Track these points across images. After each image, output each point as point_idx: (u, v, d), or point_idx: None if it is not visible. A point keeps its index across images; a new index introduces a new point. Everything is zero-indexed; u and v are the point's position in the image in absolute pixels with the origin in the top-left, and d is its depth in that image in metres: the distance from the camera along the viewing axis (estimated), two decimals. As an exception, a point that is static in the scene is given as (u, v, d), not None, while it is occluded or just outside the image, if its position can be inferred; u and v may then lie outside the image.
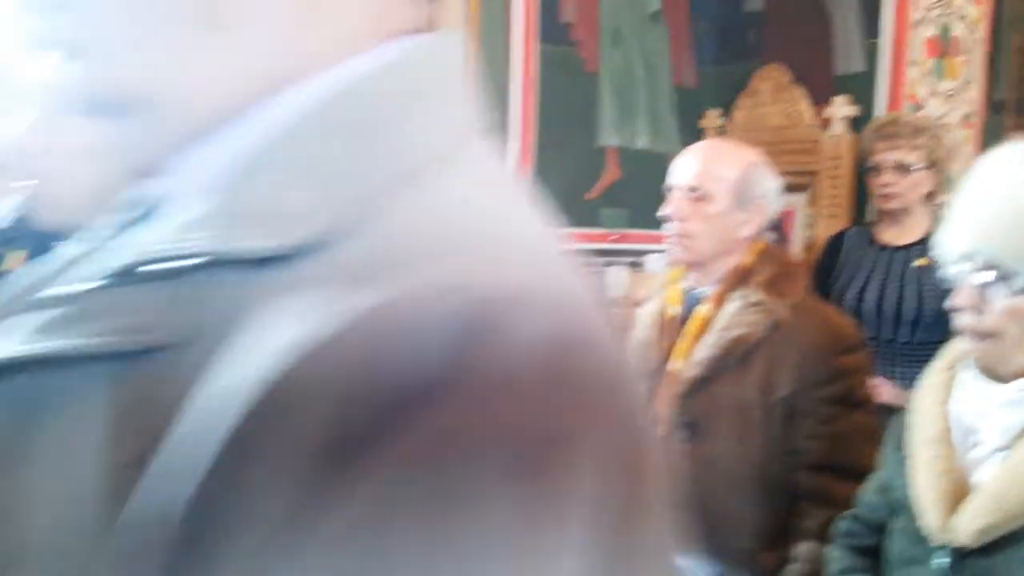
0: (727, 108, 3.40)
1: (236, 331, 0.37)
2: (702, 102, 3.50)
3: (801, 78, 3.17)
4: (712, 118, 3.45)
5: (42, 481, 0.39)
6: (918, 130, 2.42)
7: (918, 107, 2.89)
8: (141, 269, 0.41)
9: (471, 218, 0.42)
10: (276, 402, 0.33)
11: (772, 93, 3.24)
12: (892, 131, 2.43)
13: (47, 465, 0.39)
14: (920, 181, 2.40)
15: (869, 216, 2.82)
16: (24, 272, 0.50)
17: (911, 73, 2.91)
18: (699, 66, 3.55)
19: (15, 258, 1.81)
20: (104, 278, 0.42)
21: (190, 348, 0.38)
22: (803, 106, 3.14)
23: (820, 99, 3.10)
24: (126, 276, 0.41)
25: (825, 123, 3.08)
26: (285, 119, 0.44)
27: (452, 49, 0.48)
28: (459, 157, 0.45)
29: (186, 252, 0.40)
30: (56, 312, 0.42)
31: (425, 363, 0.33)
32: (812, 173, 3.07)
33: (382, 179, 0.42)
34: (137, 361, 0.39)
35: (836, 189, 3.01)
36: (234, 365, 0.35)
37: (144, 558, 0.34)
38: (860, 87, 3.03)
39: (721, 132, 3.34)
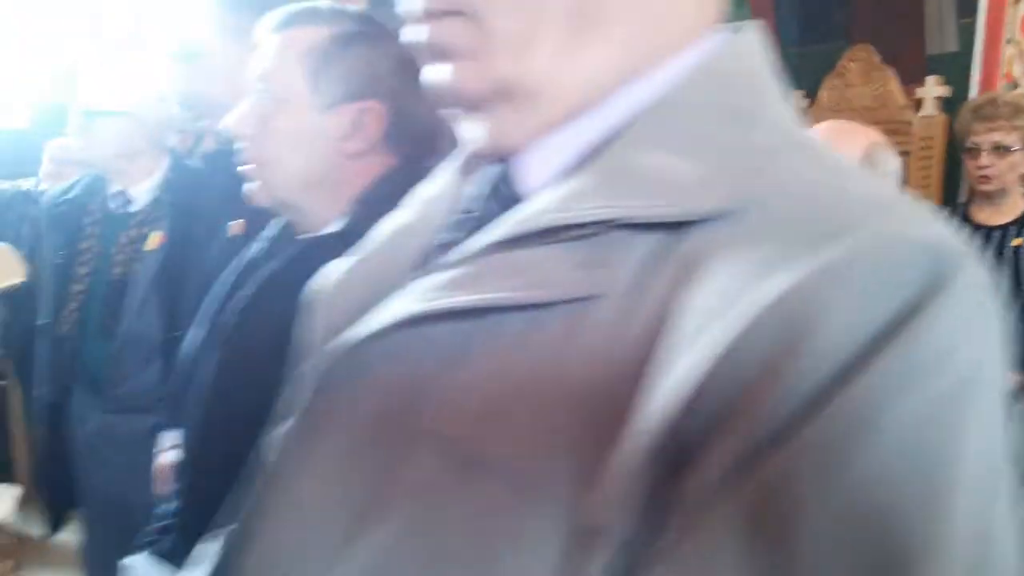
0: (812, 90, 3.39)
1: (656, 287, 0.44)
2: (786, 84, 3.49)
3: (891, 58, 3.14)
4: (796, 99, 3.44)
5: None
6: (1017, 110, 2.40)
7: (1014, 86, 2.84)
8: (553, 231, 0.47)
9: (857, 183, 0.46)
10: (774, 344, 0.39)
11: (861, 74, 3.22)
12: (991, 112, 2.41)
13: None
14: (1018, 162, 2.38)
15: (960, 197, 2.79)
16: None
17: (1007, 52, 2.87)
18: (783, 47, 3.53)
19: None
20: (513, 240, 0.49)
21: (606, 301, 0.45)
22: (893, 87, 3.11)
23: (911, 80, 3.07)
24: (538, 238, 0.48)
25: (917, 104, 3.06)
26: (652, 101, 0.51)
27: (758, 32, 0.55)
28: (798, 128, 0.51)
29: (596, 217, 0.46)
30: (474, 269, 0.50)
31: (907, 298, 0.38)
32: (903, 154, 3.05)
33: (760, 151, 0.48)
34: (554, 312, 0.46)
35: (927, 170, 2.99)
36: (697, 320, 0.41)
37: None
38: (952, 67, 2.99)
39: (805, 114, 3.33)
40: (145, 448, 1.92)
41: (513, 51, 0.50)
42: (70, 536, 2.25)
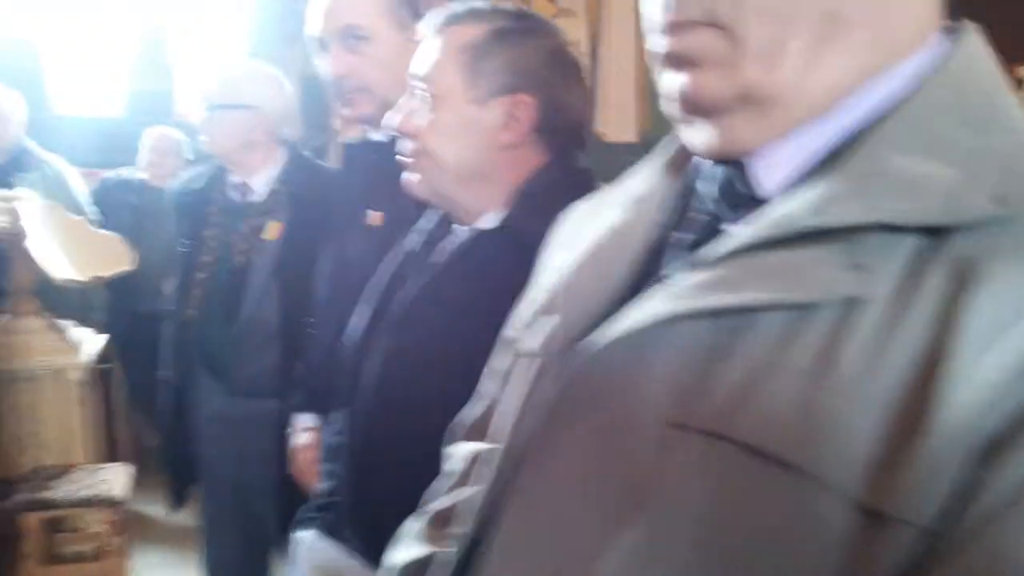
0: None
1: (927, 289, 0.46)
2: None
3: (993, 37, 3.04)
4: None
5: None
6: None
7: None
8: (811, 234, 0.49)
9: None
10: None
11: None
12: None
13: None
14: None
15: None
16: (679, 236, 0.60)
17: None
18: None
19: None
20: (769, 242, 0.51)
21: (873, 302, 0.47)
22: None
23: (1014, 59, 2.99)
24: (796, 240, 0.50)
25: (1018, 83, 2.97)
26: (891, 104, 0.52)
27: (979, 33, 0.56)
28: None
29: (858, 220, 0.48)
30: (730, 270, 0.52)
31: None
32: None
33: (1004, 154, 0.49)
34: (819, 313, 0.48)
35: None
36: (987, 324, 0.44)
37: None
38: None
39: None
40: (263, 430, 2.00)
41: (763, 60, 0.52)
42: (179, 516, 2.35)
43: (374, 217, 1.50)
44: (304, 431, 1.73)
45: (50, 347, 2.83)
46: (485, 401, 0.87)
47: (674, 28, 0.54)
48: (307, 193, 2.00)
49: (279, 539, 2.13)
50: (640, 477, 0.52)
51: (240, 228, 2.02)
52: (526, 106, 1.08)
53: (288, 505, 1.96)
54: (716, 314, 0.51)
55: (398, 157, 1.15)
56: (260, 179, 2.03)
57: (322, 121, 3.51)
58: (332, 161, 2.90)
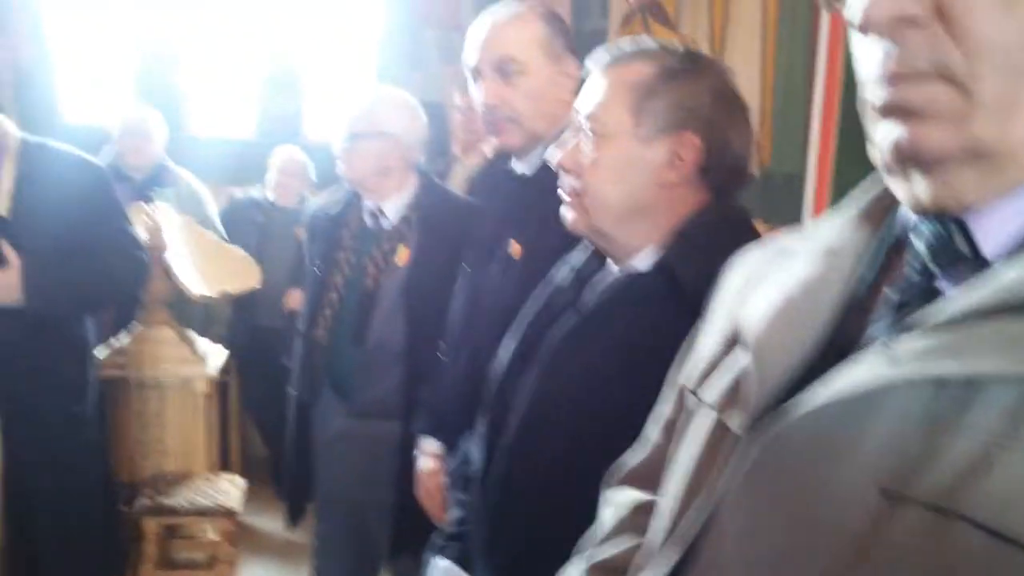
0: None
1: None
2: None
3: None
4: None
5: None
6: None
7: None
8: None
9: None
10: None
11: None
12: None
13: None
14: None
15: None
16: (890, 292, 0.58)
17: None
18: None
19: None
20: (1002, 308, 0.48)
21: None
22: None
23: None
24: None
25: None
26: None
27: None
28: None
29: None
30: (957, 335, 0.49)
31: None
32: None
33: None
34: None
35: None
36: None
37: None
38: None
39: None
40: (383, 451, 2.01)
41: (997, 115, 0.50)
42: (284, 529, 2.38)
43: (514, 247, 1.50)
44: (430, 456, 1.73)
45: (179, 357, 2.95)
46: (648, 449, 0.85)
47: (897, 79, 0.52)
48: (437, 219, 2.03)
49: (390, 560, 2.15)
50: (850, 547, 0.50)
51: (372, 252, 2.05)
52: (691, 145, 1.07)
53: (403, 527, 1.98)
54: (940, 383, 0.49)
55: (560, 194, 1.15)
56: (393, 205, 2.06)
57: (443, 147, 3.57)
58: (454, 186, 2.94)
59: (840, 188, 3.19)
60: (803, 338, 0.60)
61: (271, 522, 3.36)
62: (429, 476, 1.72)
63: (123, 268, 2.26)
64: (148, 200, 3.23)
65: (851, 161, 2.97)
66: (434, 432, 1.73)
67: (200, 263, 2.98)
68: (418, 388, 1.90)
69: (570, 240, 1.20)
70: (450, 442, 1.61)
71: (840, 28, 3.04)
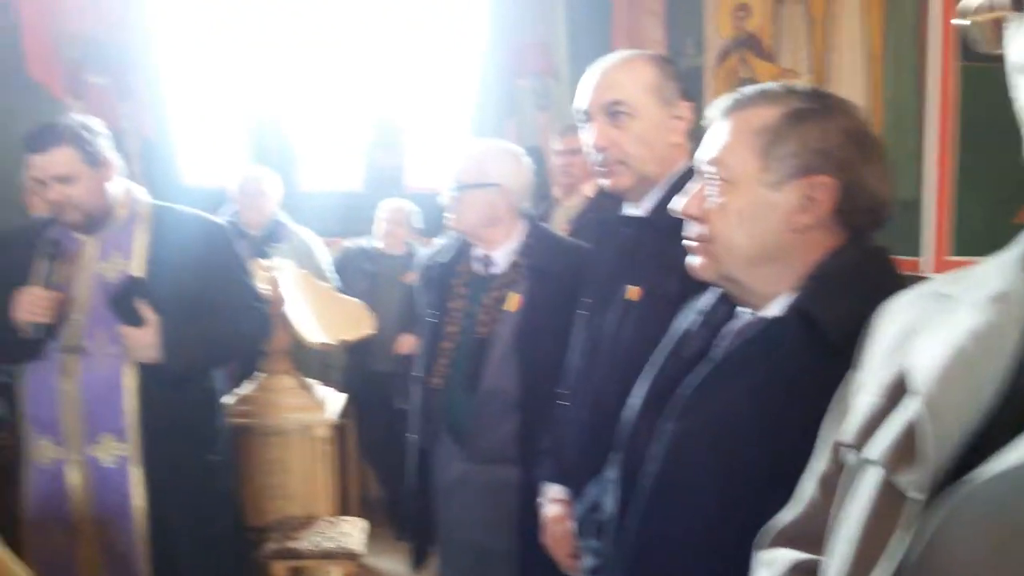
0: None
1: None
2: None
3: None
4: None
5: None
6: None
7: None
8: None
9: None
10: None
11: None
12: None
13: None
14: None
15: None
16: None
17: None
18: None
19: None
20: None
21: None
22: None
23: None
24: None
25: None
26: None
27: None
28: None
29: None
30: None
31: None
32: None
33: None
34: None
35: None
36: None
37: None
38: None
39: None
40: (502, 496, 2.04)
41: None
42: (408, 572, 2.42)
43: (632, 292, 1.51)
44: (555, 502, 1.74)
45: (300, 404, 3.07)
46: (803, 506, 0.83)
47: None
48: (547, 264, 2.06)
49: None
50: None
51: (483, 300, 2.10)
52: (825, 188, 1.04)
53: (527, 572, 1.99)
54: None
55: (685, 242, 1.15)
56: (502, 252, 2.11)
57: (541, 190, 3.62)
58: (555, 228, 2.98)
59: (961, 214, 3.09)
60: (980, 391, 0.57)
61: (393, 564, 3.42)
62: (556, 523, 1.73)
63: (248, 322, 2.38)
64: (266, 255, 3.40)
65: (970, 188, 2.87)
66: (559, 479, 1.74)
67: (318, 313, 3.11)
68: (535, 433, 1.92)
69: (689, 282, 1.19)
70: (575, 488, 1.62)
71: (949, 62, 2.97)
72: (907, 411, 0.63)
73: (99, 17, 4.16)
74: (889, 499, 0.61)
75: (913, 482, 0.58)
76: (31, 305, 2.11)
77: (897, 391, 0.65)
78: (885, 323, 0.76)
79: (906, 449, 0.61)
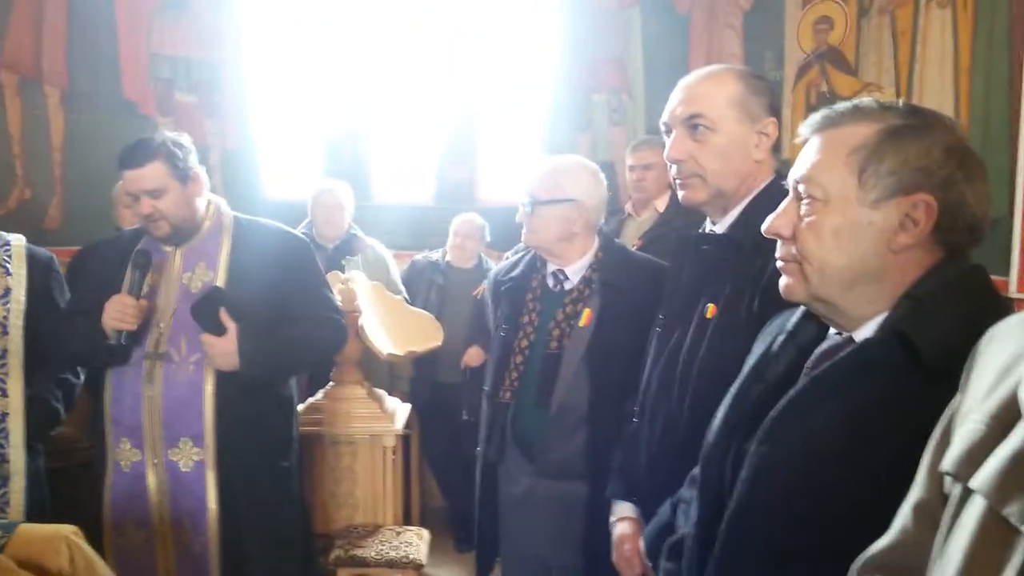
0: None
1: None
2: None
3: None
4: None
5: None
6: None
7: None
8: None
9: None
10: None
11: None
12: None
13: None
14: None
15: None
16: None
17: None
18: None
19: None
20: None
21: None
22: None
23: None
24: None
25: None
26: None
27: None
28: None
29: None
30: None
31: None
32: None
33: None
34: None
35: None
36: None
37: None
38: None
39: None
40: (569, 511, 2.02)
41: None
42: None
43: (710, 309, 1.49)
44: (626, 521, 1.72)
45: (369, 414, 3.11)
46: (898, 534, 0.80)
47: None
48: (620, 280, 2.04)
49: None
50: None
51: (555, 315, 2.09)
52: (926, 207, 1.01)
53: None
54: None
55: (779, 264, 1.12)
56: (575, 267, 2.10)
57: (613, 205, 3.61)
58: (626, 242, 2.96)
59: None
60: None
61: (453, 575, 3.43)
62: (625, 541, 1.71)
63: (325, 332, 2.42)
64: (340, 267, 3.47)
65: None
66: (630, 497, 1.72)
67: (389, 325, 3.15)
68: (604, 449, 1.89)
69: (768, 301, 1.16)
70: (645, 507, 1.59)
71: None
72: (1018, 439, 0.60)
73: (189, 39, 4.34)
74: (997, 532, 0.58)
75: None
76: (119, 313, 2.18)
77: (1007, 418, 0.63)
78: (993, 347, 0.73)
79: (1017, 479, 0.58)
